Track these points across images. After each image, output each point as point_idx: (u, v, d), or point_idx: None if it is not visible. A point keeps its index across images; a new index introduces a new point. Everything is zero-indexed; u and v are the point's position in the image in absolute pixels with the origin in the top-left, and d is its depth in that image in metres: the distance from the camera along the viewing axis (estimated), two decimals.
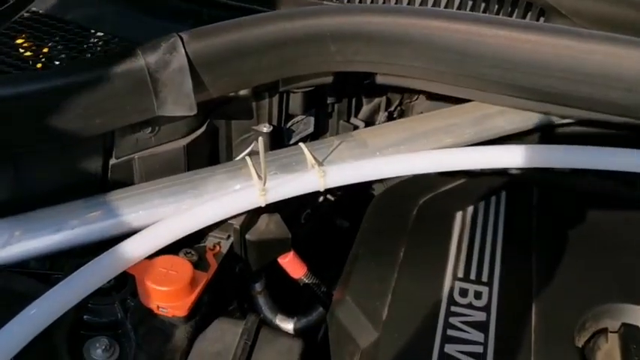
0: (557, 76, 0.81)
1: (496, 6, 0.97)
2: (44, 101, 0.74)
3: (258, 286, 0.93)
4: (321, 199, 1.09)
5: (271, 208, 0.86)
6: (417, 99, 1.10)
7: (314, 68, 0.84)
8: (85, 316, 0.76)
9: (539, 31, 0.81)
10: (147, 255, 0.75)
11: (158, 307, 0.74)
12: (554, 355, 0.71)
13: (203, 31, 0.79)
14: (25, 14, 0.97)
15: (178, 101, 0.76)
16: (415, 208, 0.90)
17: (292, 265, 0.92)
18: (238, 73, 0.80)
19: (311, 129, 1.01)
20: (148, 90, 0.75)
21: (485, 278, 0.80)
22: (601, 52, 0.79)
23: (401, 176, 0.92)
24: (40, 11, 0.98)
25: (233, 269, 0.86)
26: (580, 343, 0.73)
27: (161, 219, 0.77)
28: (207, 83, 0.79)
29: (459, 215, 0.88)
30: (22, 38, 0.95)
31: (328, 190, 1.09)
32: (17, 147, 0.76)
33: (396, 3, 1.01)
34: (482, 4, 0.98)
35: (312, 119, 1.01)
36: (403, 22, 0.81)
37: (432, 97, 1.04)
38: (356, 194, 1.06)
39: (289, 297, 0.99)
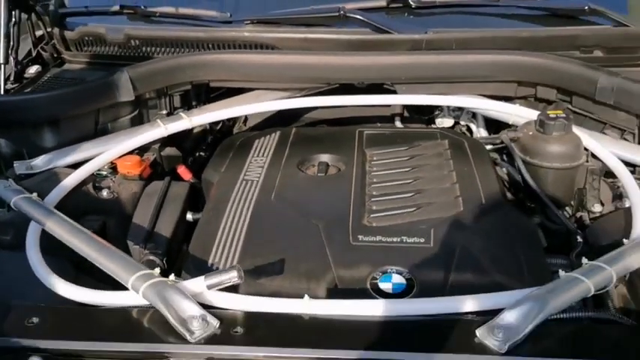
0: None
1: None
2: (69, 98, 1.84)
3: None
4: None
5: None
6: None
7: (182, 80, 1.99)
8: None
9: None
10: (119, 156, 1.82)
11: (128, 172, 1.80)
12: None
13: (135, 66, 1.94)
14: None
15: (127, 94, 1.89)
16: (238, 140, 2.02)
17: (184, 172, 2.00)
18: (150, 82, 1.94)
19: None
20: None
21: None
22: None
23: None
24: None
25: (157, 169, 1.94)
26: None
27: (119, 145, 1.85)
28: (136, 85, 1.92)
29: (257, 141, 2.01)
30: None
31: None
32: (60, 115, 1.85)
33: None
34: None
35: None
36: (221, 57, 2.00)
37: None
38: None
39: None
